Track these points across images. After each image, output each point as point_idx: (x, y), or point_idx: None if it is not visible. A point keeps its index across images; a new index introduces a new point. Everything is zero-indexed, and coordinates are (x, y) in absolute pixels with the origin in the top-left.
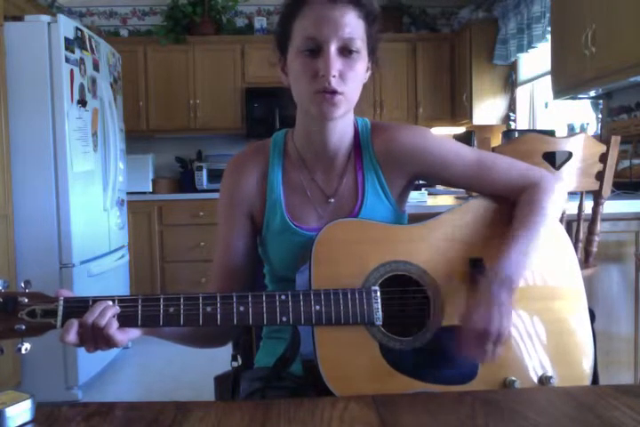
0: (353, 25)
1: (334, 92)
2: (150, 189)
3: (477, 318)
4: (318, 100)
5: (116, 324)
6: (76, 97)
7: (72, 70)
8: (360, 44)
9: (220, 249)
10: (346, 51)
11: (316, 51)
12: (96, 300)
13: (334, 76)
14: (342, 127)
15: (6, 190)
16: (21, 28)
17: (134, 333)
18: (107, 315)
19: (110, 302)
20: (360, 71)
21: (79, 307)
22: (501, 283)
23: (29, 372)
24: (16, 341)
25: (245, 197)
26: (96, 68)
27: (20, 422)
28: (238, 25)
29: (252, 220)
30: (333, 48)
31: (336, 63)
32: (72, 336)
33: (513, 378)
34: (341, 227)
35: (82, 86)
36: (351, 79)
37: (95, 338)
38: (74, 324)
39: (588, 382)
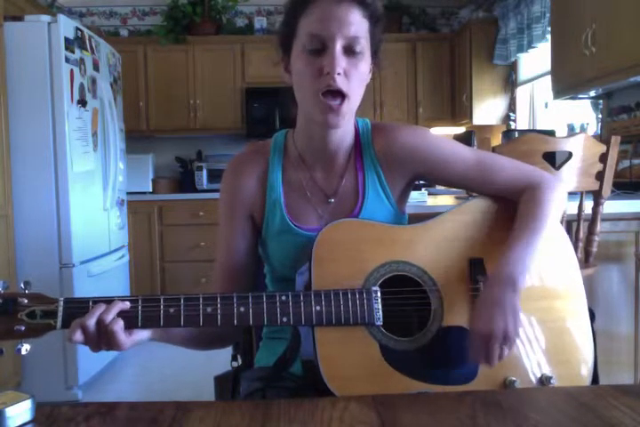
0: (358, 24)
1: (338, 92)
2: (150, 189)
3: (483, 320)
4: (324, 105)
5: (121, 322)
6: (76, 97)
7: (72, 70)
8: (364, 43)
9: (221, 250)
10: (350, 50)
11: (320, 49)
12: (97, 301)
13: (339, 74)
14: (343, 129)
15: (6, 190)
16: (21, 28)
17: (140, 336)
18: (112, 310)
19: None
20: (363, 71)
21: (79, 308)
22: (505, 284)
23: (29, 372)
24: (16, 342)
25: (245, 198)
26: (96, 68)
27: (20, 422)
28: (238, 25)
29: (253, 220)
30: (339, 46)
31: (341, 61)
32: (78, 335)
33: (513, 378)
34: (342, 227)
35: (82, 86)
36: (355, 79)
37: (99, 335)
38: (79, 322)
39: (587, 382)
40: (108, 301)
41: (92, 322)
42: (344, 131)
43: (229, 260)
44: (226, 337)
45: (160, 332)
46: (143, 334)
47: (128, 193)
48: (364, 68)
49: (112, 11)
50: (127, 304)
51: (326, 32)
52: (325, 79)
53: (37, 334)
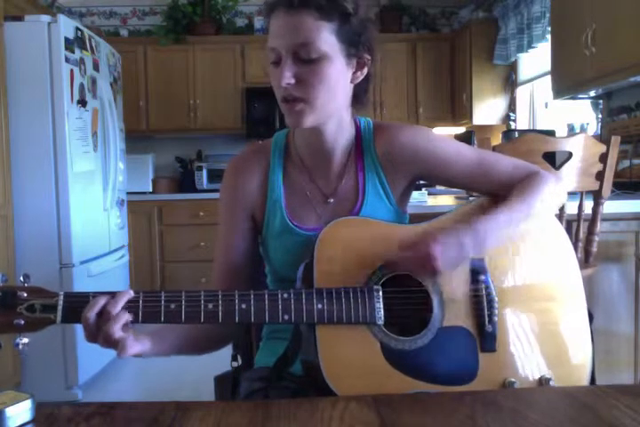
0: (309, 29)
1: (295, 100)
2: (150, 189)
3: (432, 238)
4: (284, 109)
5: (125, 318)
6: (76, 97)
7: (72, 70)
8: (324, 46)
9: (220, 249)
10: (303, 57)
11: (278, 61)
12: (96, 295)
13: (289, 84)
14: (334, 128)
15: (6, 190)
16: (21, 28)
17: (136, 349)
18: (120, 300)
19: (132, 292)
20: (328, 74)
21: (79, 302)
22: (472, 233)
23: (29, 372)
24: (15, 335)
25: (246, 198)
26: (96, 68)
27: (20, 422)
28: (238, 25)
29: (253, 220)
30: (288, 56)
31: (289, 72)
32: (92, 314)
33: (512, 379)
34: (344, 225)
35: (82, 86)
36: (315, 84)
37: (99, 326)
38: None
39: (586, 383)
40: (110, 294)
41: (92, 315)
42: (335, 130)
43: (228, 260)
44: (220, 339)
45: (151, 346)
46: (145, 345)
47: (128, 193)
48: (328, 71)
49: (112, 11)
50: (131, 293)
51: (277, 44)
52: (281, 90)
53: (37, 328)
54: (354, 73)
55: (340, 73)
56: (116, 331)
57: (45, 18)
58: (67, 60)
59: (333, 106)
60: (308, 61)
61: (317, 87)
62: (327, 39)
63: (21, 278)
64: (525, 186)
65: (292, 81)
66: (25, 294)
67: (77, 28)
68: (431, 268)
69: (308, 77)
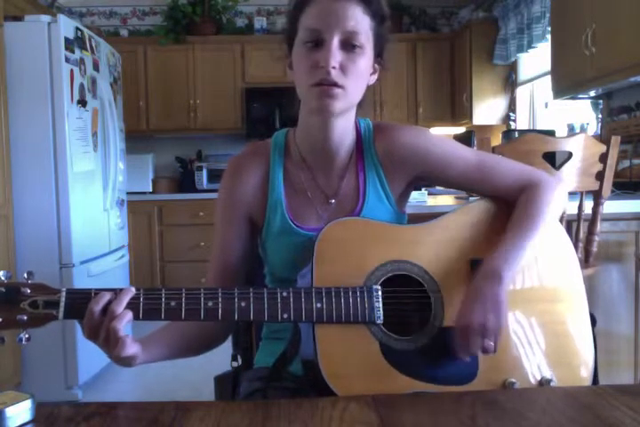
0: (357, 19)
1: (334, 85)
2: (150, 189)
3: (464, 313)
4: (317, 92)
5: (128, 317)
6: (76, 97)
7: (72, 70)
8: (364, 39)
9: (216, 250)
10: (348, 44)
11: (318, 43)
12: (98, 292)
13: (334, 68)
14: (343, 126)
15: (6, 190)
16: (21, 27)
17: (133, 349)
18: (124, 299)
19: (134, 289)
20: (363, 67)
21: (82, 298)
22: (489, 278)
23: (29, 372)
24: (17, 331)
25: (245, 198)
26: (96, 68)
27: (20, 422)
28: (238, 25)
29: (251, 221)
30: (335, 40)
31: (336, 55)
32: (98, 308)
33: (513, 380)
34: (344, 226)
35: (82, 86)
36: (353, 73)
37: (101, 322)
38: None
39: (588, 384)
40: (110, 292)
41: (97, 311)
42: (343, 128)
43: (224, 261)
44: (212, 340)
45: (142, 351)
46: (135, 349)
47: (128, 193)
48: (363, 64)
49: (112, 11)
50: (133, 291)
51: (323, 26)
52: (320, 72)
53: (39, 323)
54: (371, 74)
55: (367, 70)
56: (121, 329)
57: (45, 18)
58: (67, 60)
59: (356, 99)
60: (349, 50)
61: (353, 77)
62: (368, 34)
63: (25, 275)
64: (531, 201)
65: (338, 65)
66: (28, 291)
67: (77, 28)
68: (493, 333)
69: (348, 65)
